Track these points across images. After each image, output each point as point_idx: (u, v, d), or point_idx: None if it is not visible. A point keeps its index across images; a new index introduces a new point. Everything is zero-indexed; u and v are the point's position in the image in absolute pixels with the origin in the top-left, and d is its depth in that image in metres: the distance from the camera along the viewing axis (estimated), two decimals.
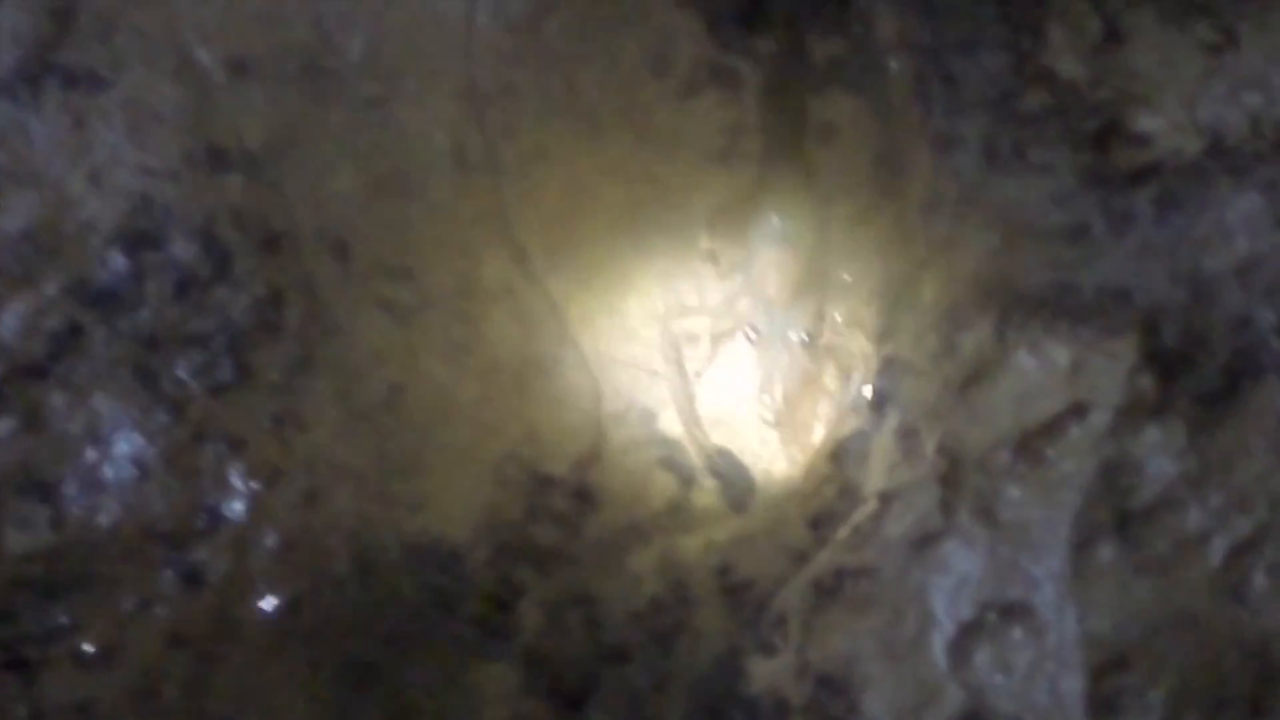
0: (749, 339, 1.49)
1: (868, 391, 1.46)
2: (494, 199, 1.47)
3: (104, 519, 1.38)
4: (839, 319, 1.49)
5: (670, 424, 1.47)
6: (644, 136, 1.49)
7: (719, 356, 1.50)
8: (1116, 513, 1.32)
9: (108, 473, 1.39)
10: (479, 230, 1.47)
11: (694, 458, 1.46)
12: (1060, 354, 1.35)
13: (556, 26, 1.49)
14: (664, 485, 1.46)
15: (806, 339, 1.47)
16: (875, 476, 1.42)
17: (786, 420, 1.48)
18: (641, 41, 1.50)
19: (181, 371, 1.41)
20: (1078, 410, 1.34)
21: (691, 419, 1.47)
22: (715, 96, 1.49)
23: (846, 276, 1.49)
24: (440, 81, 1.48)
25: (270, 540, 1.39)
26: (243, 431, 1.41)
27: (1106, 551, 1.31)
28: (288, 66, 1.47)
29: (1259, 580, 1.30)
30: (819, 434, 1.48)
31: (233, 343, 1.42)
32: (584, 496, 1.44)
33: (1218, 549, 1.30)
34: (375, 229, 1.46)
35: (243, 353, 1.42)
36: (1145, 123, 1.39)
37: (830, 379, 1.49)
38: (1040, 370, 1.35)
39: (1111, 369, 1.34)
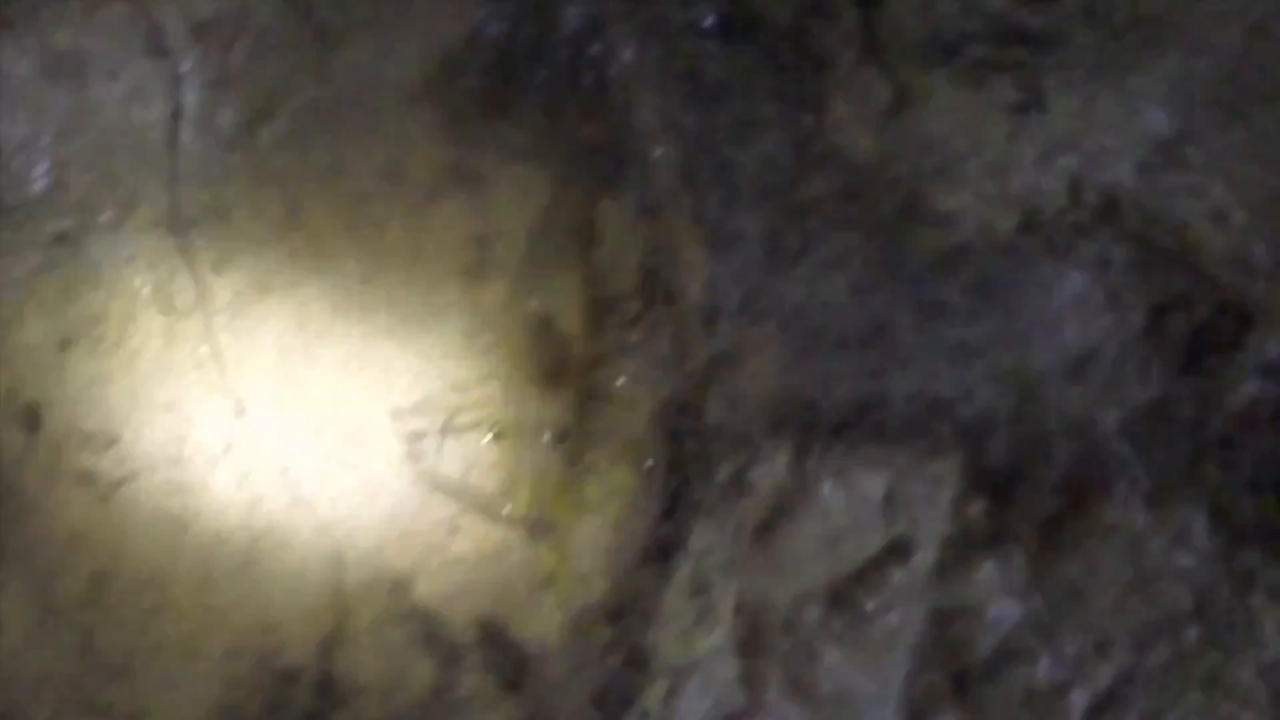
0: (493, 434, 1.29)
1: (649, 534, 1.26)
2: (206, 345, 1.33)
3: None
4: (607, 444, 1.29)
5: (425, 592, 1.28)
6: (379, 257, 1.33)
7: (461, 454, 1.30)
8: (954, 672, 1.18)
9: None
10: (190, 383, 1.33)
11: (454, 631, 1.26)
12: (872, 483, 1.22)
13: (272, 137, 1.35)
14: (422, 667, 1.28)
15: (560, 440, 1.26)
16: (666, 644, 1.24)
17: (542, 535, 1.27)
18: (371, 147, 1.34)
19: None
20: (898, 549, 1.21)
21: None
22: (459, 203, 1.32)
23: (614, 393, 1.29)
24: (139, 210, 1.35)
25: None
26: None
27: None
28: None
29: None
30: (595, 581, 1.27)
31: None
32: (330, 689, 1.27)
33: (1077, 705, 1.17)
34: (70, 390, 1.33)
35: None
36: (948, 199, 1.24)
37: (594, 493, 1.28)
38: (850, 504, 1.21)
39: (933, 496, 1.20)
